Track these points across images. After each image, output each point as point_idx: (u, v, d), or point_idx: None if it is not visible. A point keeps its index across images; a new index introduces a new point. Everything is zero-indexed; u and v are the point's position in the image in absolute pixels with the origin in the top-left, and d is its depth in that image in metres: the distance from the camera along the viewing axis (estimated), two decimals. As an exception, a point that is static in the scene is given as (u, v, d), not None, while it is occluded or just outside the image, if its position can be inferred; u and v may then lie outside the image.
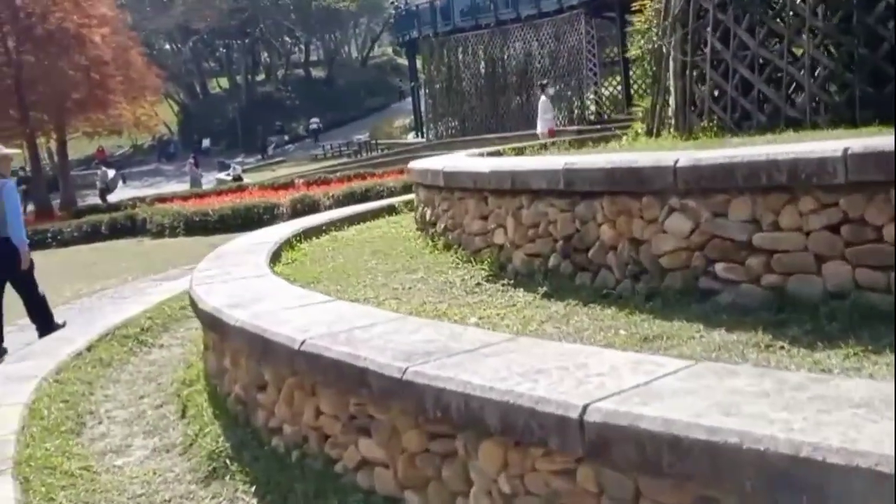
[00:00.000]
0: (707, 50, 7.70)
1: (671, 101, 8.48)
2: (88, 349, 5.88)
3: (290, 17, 62.34)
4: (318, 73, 69.00)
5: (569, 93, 33.23)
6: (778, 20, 7.46)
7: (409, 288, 4.68)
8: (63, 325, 7.79)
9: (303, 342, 2.99)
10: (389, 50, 79.18)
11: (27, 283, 7.92)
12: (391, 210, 9.27)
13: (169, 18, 55.80)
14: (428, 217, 5.88)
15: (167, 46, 64.08)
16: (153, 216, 18.14)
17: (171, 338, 6.71)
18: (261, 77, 69.19)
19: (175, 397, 4.84)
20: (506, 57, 35.88)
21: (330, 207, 16.84)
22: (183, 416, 4.48)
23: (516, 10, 35.66)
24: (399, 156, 35.37)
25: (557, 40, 32.97)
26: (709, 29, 7.82)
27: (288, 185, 22.35)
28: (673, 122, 8.66)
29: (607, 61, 32.13)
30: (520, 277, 4.38)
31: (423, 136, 44.16)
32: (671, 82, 8.42)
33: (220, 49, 67.08)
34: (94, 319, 7.34)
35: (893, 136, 3.05)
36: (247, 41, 64.29)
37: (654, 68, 8.69)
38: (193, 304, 4.46)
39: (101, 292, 11.59)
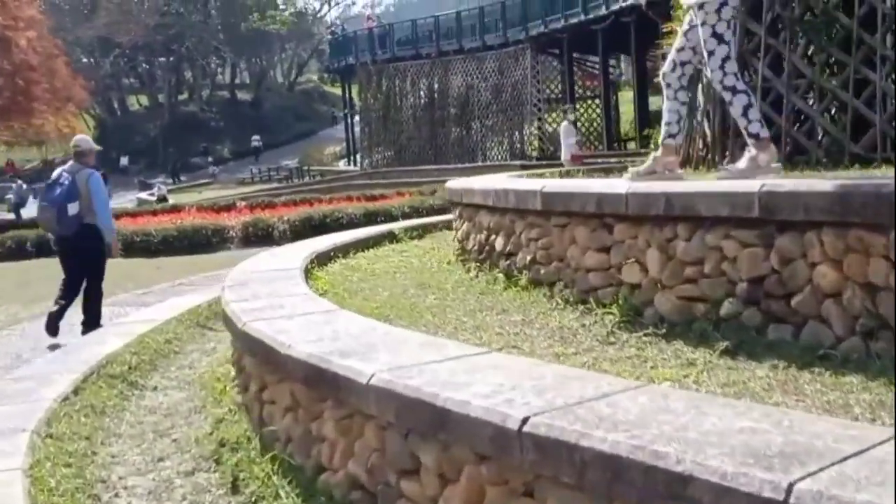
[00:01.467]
0: (758, 77, 7.07)
1: (707, 130, 7.82)
2: (75, 392, 4.80)
3: (218, 37, 60.75)
4: (244, 95, 67.42)
5: (508, 128, 32.87)
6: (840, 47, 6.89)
7: (517, 333, 3.82)
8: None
9: (525, 420, 2.09)
10: (315, 77, 78.26)
11: (99, 271, 8.18)
12: (391, 237, 8.40)
13: (90, 30, 53.59)
14: (497, 247, 4.99)
15: (84, 59, 61.53)
16: (85, 234, 16.72)
17: (163, 378, 5.64)
18: (184, 96, 67.18)
19: (213, 463, 3.83)
20: (446, 88, 35.35)
21: (285, 233, 15.81)
22: (234, 490, 3.48)
23: (459, 41, 35.21)
24: (335, 182, 34.35)
25: (501, 74, 32.63)
26: (760, 54, 7.21)
27: (230, 207, 21.12)
28: (706, 153, 8.00)
29: (551, 98, 31.89)
30: (669, 327, 3.55)
31: (354, 165, 43.26)
32: (703, 110, 7.78)
33: (143, 65, 64.85)
34: (66, 352, 6.21)
35: None
36: (171, 59, 62.32)
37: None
38: (261, 346, 3.47)
39: (41, 318, 10.29)
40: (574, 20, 27.04)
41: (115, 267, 14.87)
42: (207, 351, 6.41)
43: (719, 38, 4.49)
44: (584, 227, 4.08)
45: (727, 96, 4.55)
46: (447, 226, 9.56)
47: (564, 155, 17.28)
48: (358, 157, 42.52)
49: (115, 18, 52.38)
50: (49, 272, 13.00)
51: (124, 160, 54.77)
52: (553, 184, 4.42)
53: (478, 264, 5.38)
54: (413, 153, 36.64)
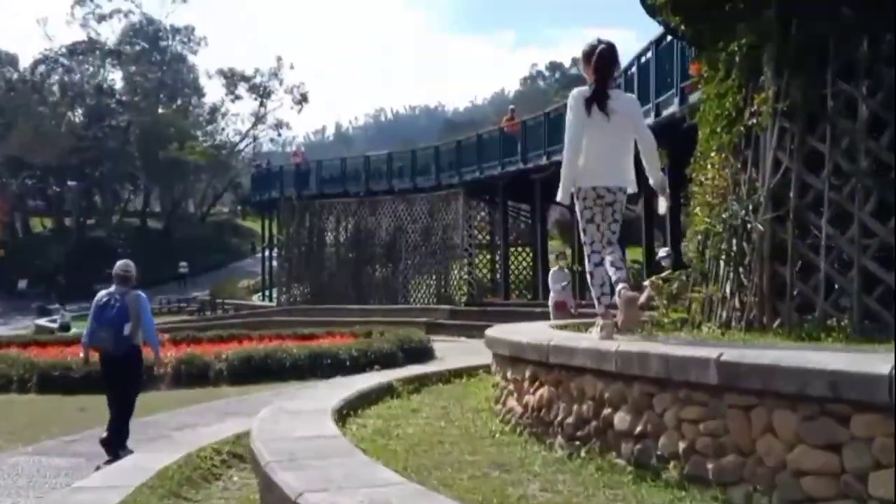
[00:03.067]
0: (822, 235, 6.57)
1: (749, 287, 7.24)
2: None
3: (134, 164, 59.54)
4: (155, 223, 65.74)
5: (437, 272, 32.35)
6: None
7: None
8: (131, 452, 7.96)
9: None
10: (226, 209, 77.29)
11: (136, 387, 8.73)
12: (391, 391, 7.48)
13: (1, 149, 51.77)
14: (617, 425, 4.03)
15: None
16: (-8, 365, 15.02)
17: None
18: (92, 221, 65.03)
19: None
20: (374, 227, 34.86)
21: (222, 373, 14.51)
22: None
23: (389, 182, 35.08)
24: (252, 318, 32.97)
25: (431, 217, 32.36)
26: (822, 209, 6.73)
27: (150, 341, 19.59)
28: (740, 313, 7.41)
29: (483, 243, 31.71)
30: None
31: (270, 300, 41.91)
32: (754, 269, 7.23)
33: (53, 187, 62.76)
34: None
35: None
36: (83, 182, 60.58)
37: (725, 247, 7.46)
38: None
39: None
40: (512, 168, 27.15)
41: (29, 405, 13.33)
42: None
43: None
44: (794, 414, 3.24)
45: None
46: (439, 379, 8.69)
47: (550, 301, 16.70)
48: (274, 292, 41.22)
49: (29, 139, 50.75)
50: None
51: (22, 284, 52.05)
52: (733, 353, 3.57)
53: (571, 442, 4.47)
54: (335, 291, 35.61)
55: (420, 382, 8.27)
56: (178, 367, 14.41)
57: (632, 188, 5.46)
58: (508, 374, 5.51)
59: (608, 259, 5.20)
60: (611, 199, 5.29)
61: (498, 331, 6.13)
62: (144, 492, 5.74)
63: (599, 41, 5.45)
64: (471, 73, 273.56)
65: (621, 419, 4.11)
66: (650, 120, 16.72)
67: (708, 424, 3.64)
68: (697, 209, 8.68)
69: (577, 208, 5.41)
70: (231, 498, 6.23)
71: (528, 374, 5.17)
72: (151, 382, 14.24)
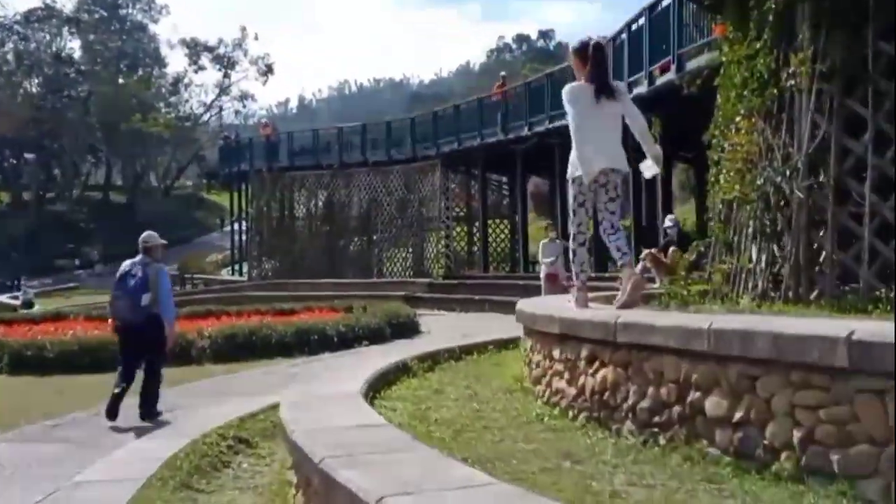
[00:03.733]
0: (866, 202, 6.16)
1: (787, 257, 6.82)
2: None
3: (95, 136, 57.96)
4: (117, 197, 64.27)
5: (413, 245, 31.78)
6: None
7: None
8: (161, 415, 8.42)
9: None
10: (189, 183, 75.82)
11: (160, 361, 8.95)
12: (406, 369, 7.00)
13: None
14: (709, 411, 3.56)
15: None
16: (-40, 345, 14.20)
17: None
18: (52, 195, 63.40)
19: None
20: (348, 200, 34.15)
21: (205, 351, 13.89)
22: None
23: (364, 154, 34.35)
24: (225, 293, 32.22)
25: (407, 189, 31.73)
26: (866, 175, 6.33)
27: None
28: (773, 285, 7.00)
29: (460, 216, 31.21)
30: None
31: (240, 274, 41.11)
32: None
33: (10, 160, 61.01)
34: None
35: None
36: (41, 155, 58.92)
37: (759, 216, 7.02)
38: None
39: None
40: (492, 139, 26.60)
41: (2, 388, 12.60)
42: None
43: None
44: None
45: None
46: (451, 356, 8.24)
47: (541, 273, 16.26)
48: (244, 266, 40.42)
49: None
50: None
51: (-21, 260, 50.51)
52: (866, 331, 3.10)
53: (645, 429, 4.00)
54: (308, 265, 34.90)
55: (433, 360, 7.79)
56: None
57: (625, 169, 5.90)
58: (556, 354, 5.03)
59: (614, 245, 5.70)
60: (604, 180, 5.72)
61: (538, 306, 5.64)
62: (155, 485, 5.22)
63: (590, 38, 6.02)
64: (436, 45, 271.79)
65: (715, 404, 3.64)
66: (644, 88, 16.29)
67: (831, 411, 3.18)
68: (722, 176, 8.25)
69: (570, 192, 5.91)
70: (245, 488, 5.72)
71: (584, 353, 4.68)
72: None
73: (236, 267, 43.19)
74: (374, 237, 33.40)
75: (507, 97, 25.57)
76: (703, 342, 3.63)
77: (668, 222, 15.68)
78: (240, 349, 13.84)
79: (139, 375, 8.88)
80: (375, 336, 15.51)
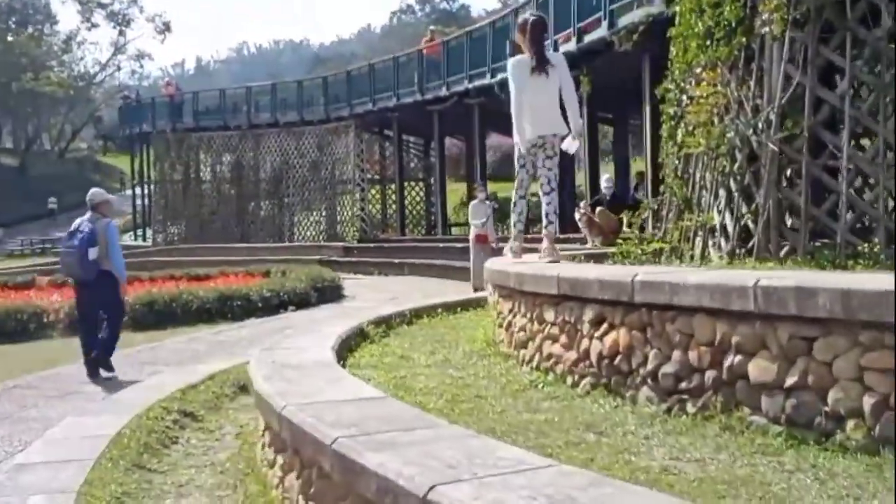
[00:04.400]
0: (843, 155, 6.01)
1: (759, 213, 6.65)
2: None
3: (-17, 95, 54.80)
4: (8, 160, 61.00)
5: (327, 208, 31.08)
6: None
7: None
8: (114, 374, 8.54)
9: None
10: (84, 145, 72.65)
11: (119, 311, 9.19)
12: (363, 335, 6.60)
13: None
14: (754, 375, 3.23)
15: None
16: None
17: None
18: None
19: None
20: (258, 162, 33.11)
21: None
22: None
23: (274, 114, 33.27)
24: (130, 258, 30.84)
25: (320, 151, 30.95)
26: (842, 128, 6.18)
27: (28, 284, 17.82)
28: (742, 241, 6.87)
29: (375, 178, 30.64)
30: None
31: (144, 240, 39.58)
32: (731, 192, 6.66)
33: None
34: None
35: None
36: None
37: (727, 170, 6.82)
38: None
39: None
40: (408, 99, 26.04)
41: None
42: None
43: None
44: None
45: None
46: (402, 320, 7.86)
47: (470, 234, 15.89)
48: (148, 231, 38.91)
49: None
50: None
51: None
52: None
53: (669, 396, 3.70)
54: (216, 229, 33.84)
55: (386, 325, 7.39)
56: (70, 312, 12.88)
57: (562, 132, 6.58)
58: (549, 316, 4.69)
59: (545, 208, 6.52)
60: (540, 142, 6.47)
61: (525, 265, 5.28)
62: (106, 465, 4.71)
63: (531, 14, 6.82)
64: (337, 6, 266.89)
65: (761, 369, 3.35)
66: (572, 45, 16.03)
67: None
68: (680, 131, 8.03)
69: (515, 154, 6.67)
70: (201, 466, 5.26)
71: (589, 315, 4.34)
72: (43, 330, 12.78)
73: (139, 232, 41.52)
74: (286, 200, 32.55)
75: (434, 53, 24.69)
76: (746, 301, 3.33)
77: (603, 182, 15.56)
78: (160, 317, 13.14)
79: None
80: (301, 300, 14.98)
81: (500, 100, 21.77)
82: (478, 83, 22.20)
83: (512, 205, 6.71)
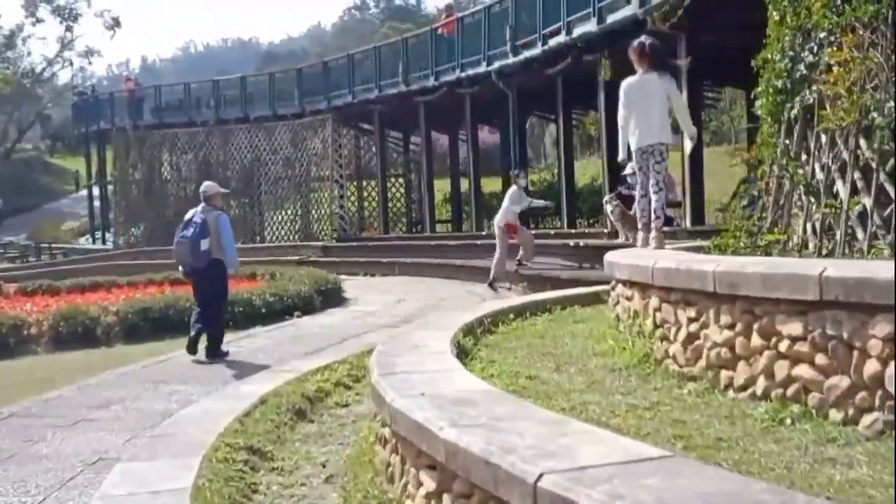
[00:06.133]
0: None
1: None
2: None
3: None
4: (-50, 161, 58.26)
5: (302, 206, 29.65)
6: None
7: None
8: (227, 355, 9.40)
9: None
10: (29, 146, 69.81)
11: (222, 298, 9.79)
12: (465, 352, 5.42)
13: None
14: None
15: None
16: None
17: None
18: None
19: None
20: (227, 160, 31.50)
21: (112, 329, 11.73)
22: None
23: (244, 109, 31.73)
24: (92, 263, 29.37)
25: (295, 147, 29.49)
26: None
27: (-4, 292, 16.25)
28: (884, 230, 5.80)
29: (352, 175, 29.27)
30: None
31: (103, 242, 37.72)
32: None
33: None
34: None
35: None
36: None
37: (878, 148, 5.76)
38: None
39: None
40: (392, 90, 24.78)
41: None
42: None
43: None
44: None
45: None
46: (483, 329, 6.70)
47: (499, 222, 14.74)
48: (109, 233, 37.04)
49: None
50: None
51: None
52: None
53: None
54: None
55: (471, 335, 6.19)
56: (55, 324, 11.46)
57: (668, 140, 7.45)
58: (788, 329, 3.52)
59: (654, 204, 7.35)
60: (650, 150, 7.36)
61: (711, 265, 4.12)
62: None
63: (646, 38, 7.52)
64: (285, 5, 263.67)
65: None
66: (593, 26, 14.98)
67: None
68: (795, 104, 6.96)
69: (632, 160, 7.66)
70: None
71: (885, 329, 3.15)
72: (25, 344, 11.32)
73: (97, 234, 39.60)
74: (259, 199, 31.03)
75: (450, 31, 22.73)
76: None
77: (628, 170, 14.53)
78: (154, 326, 11.73)
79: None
80: (306, 305, 13.70)
81: (496, 89, 20.77)
82: (471, 72, 21.07)
83: (637, 203, 7.90)
